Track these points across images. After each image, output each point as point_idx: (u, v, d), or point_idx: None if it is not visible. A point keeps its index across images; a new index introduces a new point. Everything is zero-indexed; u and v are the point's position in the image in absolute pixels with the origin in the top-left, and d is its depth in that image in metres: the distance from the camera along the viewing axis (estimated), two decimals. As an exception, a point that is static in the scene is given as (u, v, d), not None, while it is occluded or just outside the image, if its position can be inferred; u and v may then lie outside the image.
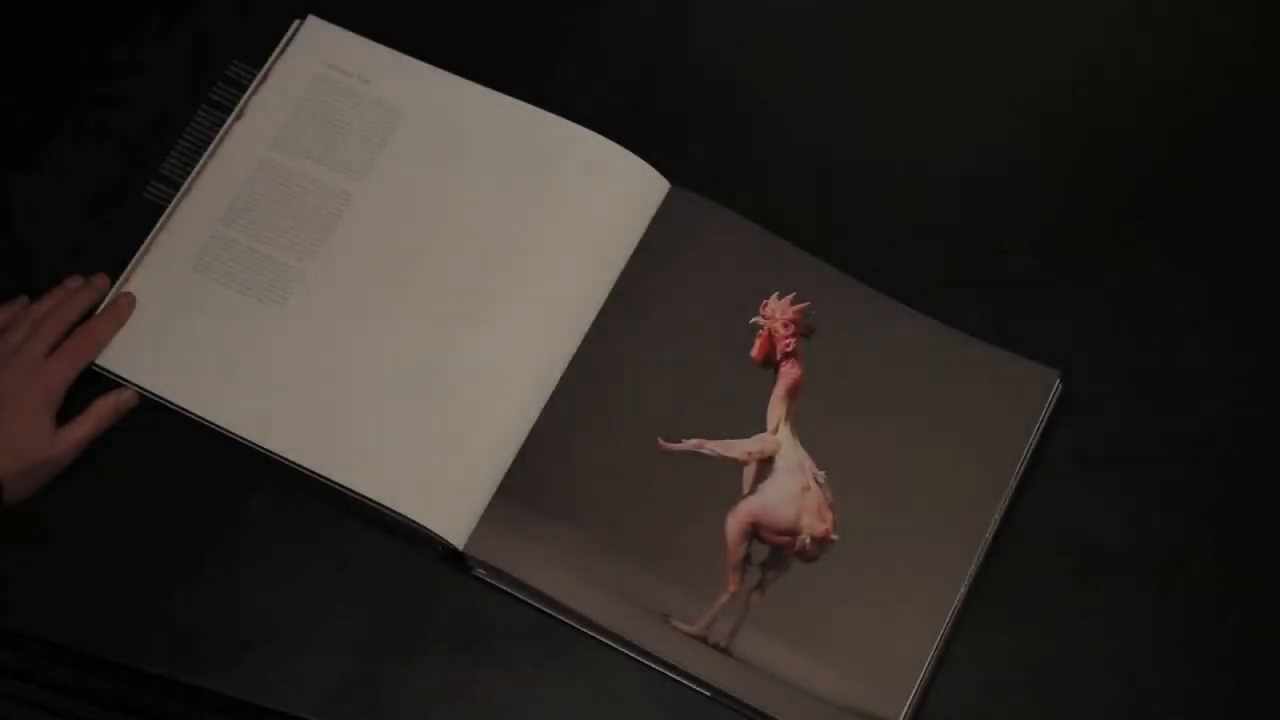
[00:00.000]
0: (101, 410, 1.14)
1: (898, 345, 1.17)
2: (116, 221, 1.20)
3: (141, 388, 1.15)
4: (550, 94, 1.23)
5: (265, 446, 1.14)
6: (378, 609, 1.12)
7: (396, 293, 1.18)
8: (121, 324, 1.16)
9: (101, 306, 1.17)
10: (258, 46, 1.25)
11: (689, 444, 1.14)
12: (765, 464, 1.14)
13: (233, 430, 1.14)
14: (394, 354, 1.16)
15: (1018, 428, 1.15)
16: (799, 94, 1.28)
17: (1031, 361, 1.16)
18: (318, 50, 1.26)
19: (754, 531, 1.12)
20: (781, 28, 1.30)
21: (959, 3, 1.31)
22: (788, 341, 1.16)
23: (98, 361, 1.16)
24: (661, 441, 1.14)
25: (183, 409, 1.15)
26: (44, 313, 1.16)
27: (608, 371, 1.16)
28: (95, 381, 1.16)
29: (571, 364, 1.16)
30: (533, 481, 1.13)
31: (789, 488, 1.13)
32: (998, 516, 1.13)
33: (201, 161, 1.22)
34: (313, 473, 1.13)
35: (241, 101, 1.24)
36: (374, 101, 1.24)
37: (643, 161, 1.21)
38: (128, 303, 1.17)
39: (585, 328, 1.17)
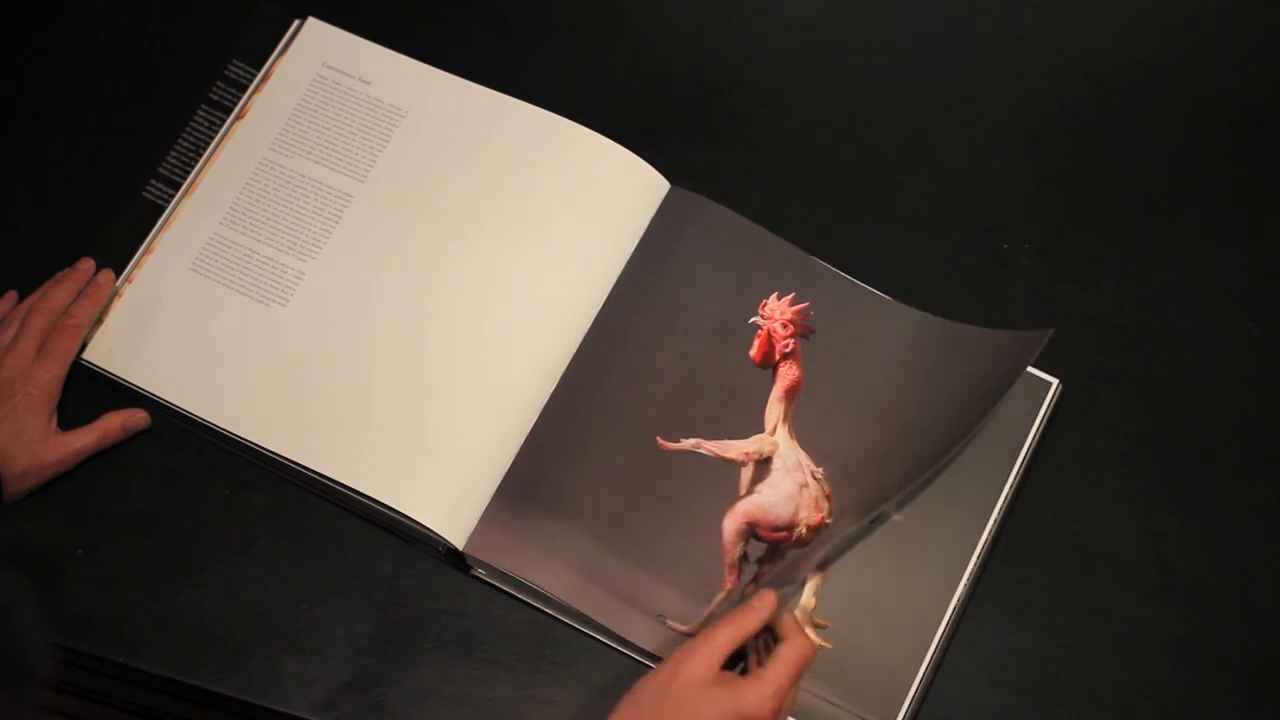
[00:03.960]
0: (109, 425, 1.14)
1: (897, 347, 1.17)
2: (116, 221, 1.20)
3: (142, 388, 1.15)
4: (550, 94, 1.23)
5: (265, 447, 1.14)
6: (378, 609, 1.12)
7: (397, 294, 1.18)
8: (100, 305, 1.16)
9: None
10: (258, 46, 1.25)
11: (687, 444, 1.14)
12: (763, 464, 1.14)
13: (233, 430, 1.14)
14: (395, 355, 1.16)
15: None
16: (799, 94, 1.28)
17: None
18: (318, 50, 1.26)
19: (751, 531, 1.12)
20: (782, 28, 1.30)
21: (961, 4, 1.31)
22: (786, 342, 1.16)
23: (100, 365, 1.16)
24: (660, 441, 1.14)
25: (183, 409, 1.15)
26: (30, 305, 1.15)
27: (607, 371, 1.16)
28: (96, 381, 1.16)
29: (571, 364, 1.16)
30: (532, 481, 1.13)
31: (786, 486, 1.13)
32: (997, 517, 1.13)
33: (201, 161, 1.22)
34: (313, 473, 1.13)
35: (241, 101, 1.24)
36: (374, 101, 1.24)
37: (643, 161, 1.21)
38: (106, 283, 1.17)
39: (585, 327, 1.17)
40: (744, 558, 1.12)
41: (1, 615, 0.75)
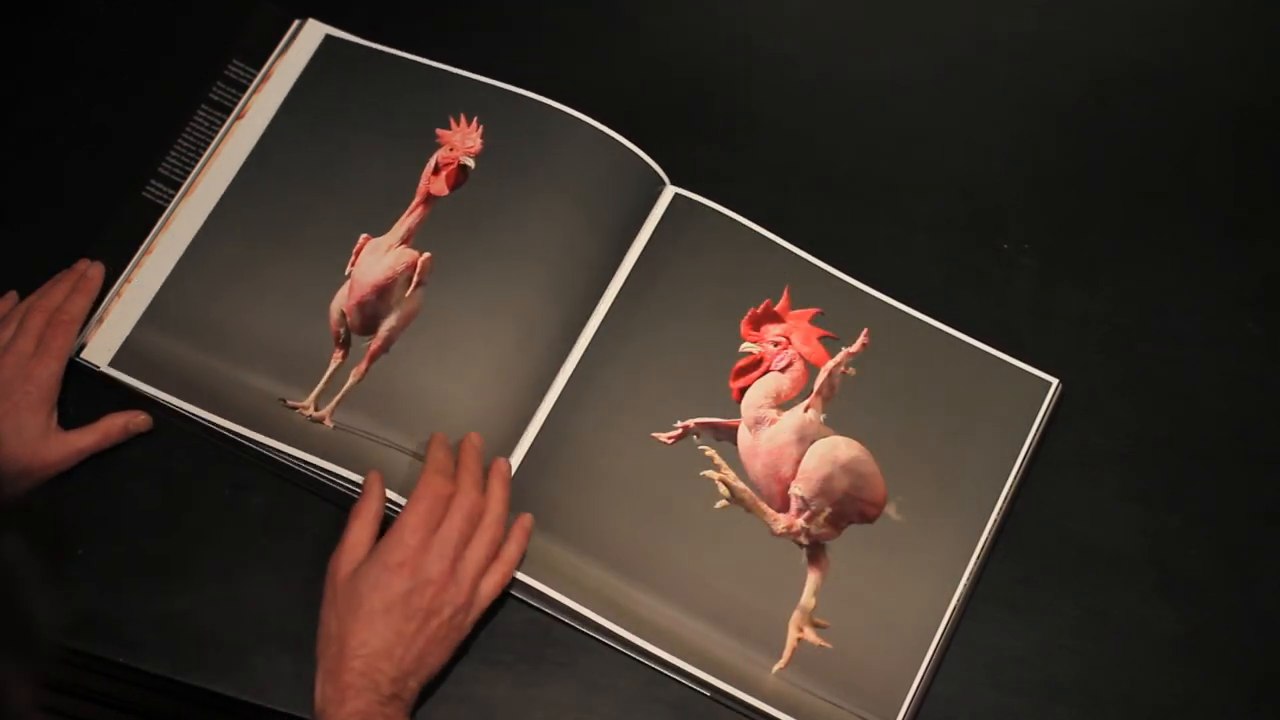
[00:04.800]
0: (110, 426, 1.14)
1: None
2: (116, 221, 1.20)
3: (142, 388, 1.15)
4: (551, 94, 1.23)
5: (267, 446, 1.14)
6: (378, 609, 1.12)
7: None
8: (92, 298, 1.16)
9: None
10: (258, 46, 1.25)
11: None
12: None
13: (233, 430, 1.14)
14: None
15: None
16: (799, 94, 1.28)
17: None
18: (317, 50, 1.26)
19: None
20: (783, 28, 1.30)
21: (961, 4, 1.31)
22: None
23: (116, 372, 1.15)
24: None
25: (183, 409, 1.15)
26: (29, 305, 1.16)
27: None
28: (97, 381, 1.16)
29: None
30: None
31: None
32: (997, 517, 1.13)
33: (201, 161, 1.22)
34: (314, 471, 1.13)
35: (241, 101, 1.24)
36: (372, 101, 1.25)
37: (651, 161, 1.21)
38: (96, 276, 1.17)
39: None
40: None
41: (5, 575, 0.75)
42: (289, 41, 1.25)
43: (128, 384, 1.15)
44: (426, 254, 1.17)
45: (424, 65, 1.23)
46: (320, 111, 1.22)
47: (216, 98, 1.24)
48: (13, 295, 1.18)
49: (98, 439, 1.13)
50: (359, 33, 1.25)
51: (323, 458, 1.12)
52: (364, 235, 1.18)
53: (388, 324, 1.16)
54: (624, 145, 1.20)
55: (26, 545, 0.77)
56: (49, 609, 0.77)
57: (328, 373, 1.15)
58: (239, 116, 1.23)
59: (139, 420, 1.15)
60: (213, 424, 1.14)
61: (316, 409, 1.14)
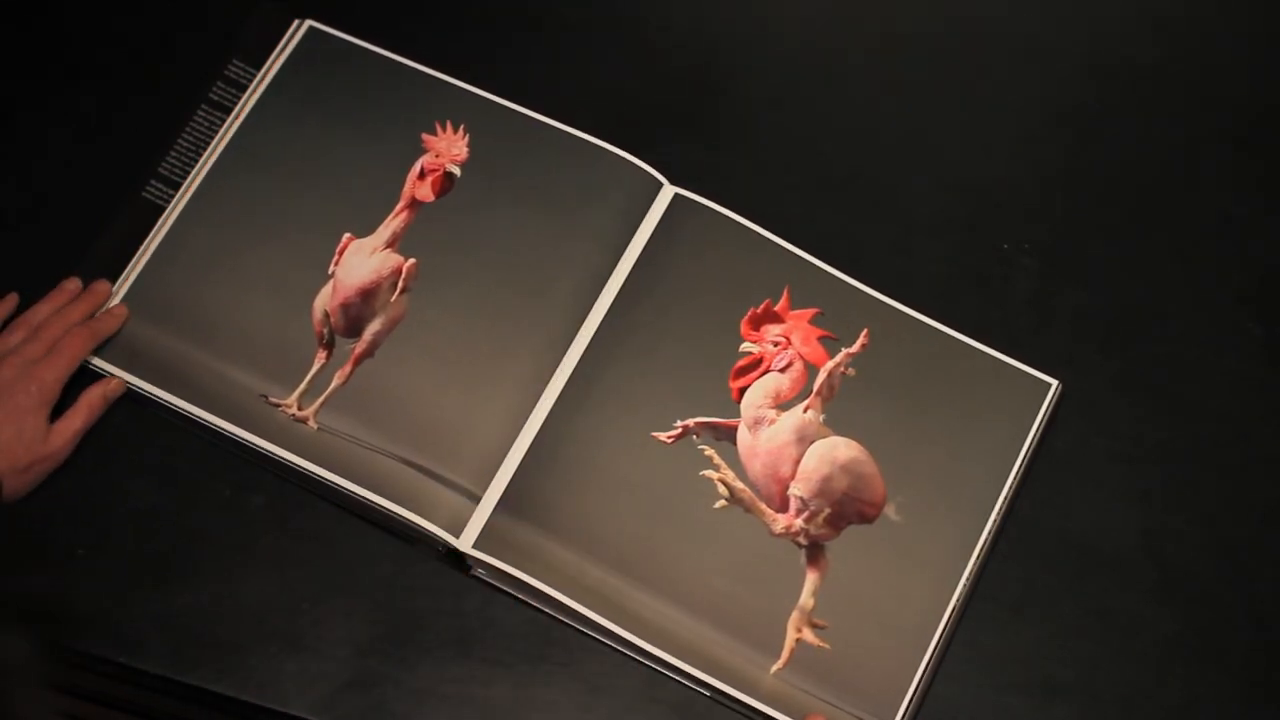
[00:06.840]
0: (92, 400, 1.14)
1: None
2: (116, 221, 1.20)
3: (142, 387, 1.15)
4: (549, 95, 1.23)
5: (265, 446, 1.14)
6: (378, 609, 1.12)
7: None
8: (116, 328, 1.16)
9: (102, 309, 1.17)
10: (258, 46, 1.25)
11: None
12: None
13: (232, 430, 1.14)
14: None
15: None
16: (799, 94, 1.28)
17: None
18: (317, 50, 1.26)
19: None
20: (784, 29, 1.30)
21: (962, 5, 1.31)
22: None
23: (100, 360, 1.16)
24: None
25: (183, 408, 1.15)
26: (42, 317, 1.16)
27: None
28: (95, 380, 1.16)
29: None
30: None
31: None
32: (997, 517, 1.13)
33: (201, 161, 1.22)
34: (312, 473, 1.13)
35: (241, 101, 1.24)
36: (372, 102, 1.25)
37: (643, 164, 1.21)
38: (120, 313, 1.17)
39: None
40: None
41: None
42: (289, 41, 1.25)
43: (128, 383, 1.15)
44: (412, 260, 1.17)
45: (408, 67, 1.23)
46: (300, 102, 1.22)
47: (216, 98, 1.24)
48: (13, 297, 1.18)
49: (85, 416, 1.14)
50: (354, 33, 1.25)
51: (307, 459, 1.13)
52: (347, 235, 1.18)
53: (372, 328, 1.16)
54: (612, 151, 1.20)
55: (28, 650, 0.77)
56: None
57: (311, 373, 1.15)
58: (239, 116, 1.23)
59: (113, 386, 1.15)
60: (213, 424, 1.14)
61: (300, 408, 1.14)
